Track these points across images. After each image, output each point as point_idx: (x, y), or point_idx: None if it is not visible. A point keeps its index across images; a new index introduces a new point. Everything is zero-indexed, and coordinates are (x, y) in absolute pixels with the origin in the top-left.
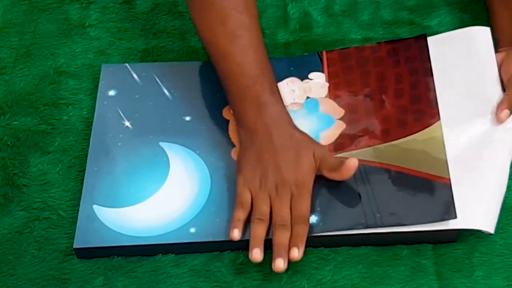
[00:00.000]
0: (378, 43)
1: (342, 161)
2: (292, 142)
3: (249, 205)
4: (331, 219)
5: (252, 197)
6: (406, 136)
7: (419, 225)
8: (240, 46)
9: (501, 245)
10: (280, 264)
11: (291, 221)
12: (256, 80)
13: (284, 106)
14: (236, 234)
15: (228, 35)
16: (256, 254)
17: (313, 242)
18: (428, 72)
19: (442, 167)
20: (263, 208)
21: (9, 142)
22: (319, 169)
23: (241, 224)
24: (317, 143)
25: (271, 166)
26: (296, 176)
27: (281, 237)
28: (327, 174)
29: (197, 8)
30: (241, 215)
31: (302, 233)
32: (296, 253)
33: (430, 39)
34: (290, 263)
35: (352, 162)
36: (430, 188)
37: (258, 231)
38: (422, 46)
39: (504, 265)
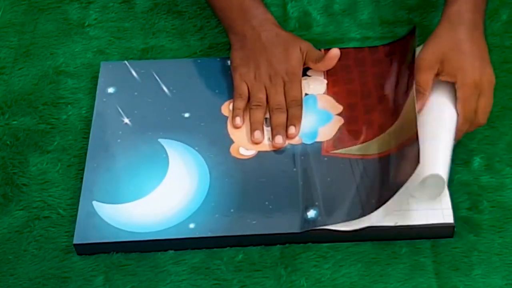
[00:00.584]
0: (376, 46)
1: (325, 54)
2: (279, 38)
3: (247, 96)
4: (330, 213)
5: (248, 89)
6: (394, 122)
7: (404, 188)
8: None
9: (500, 244)
10: (279, 139)
11: (286, 106)
12: None
13: (266, 9)
14: (238, 121)
15: None
16: (258, 135)
17: (312, 237)
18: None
19: (412, 126)
20: (260, 96)
21: (8, 142)
22: (306, 61)
23: (241, 112)
24: (302, 39)
25: (263, 61)
26: (286, 67)
27: (279, 118)
28: (313, 65)
29: None
30: (240, 104)
31: (297, 114)
32: (293, 130)
33: None
34: (289, 261)
35: (334, 51)
36: (408, 151)
37: (257, 116)
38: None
39: (502, 264)
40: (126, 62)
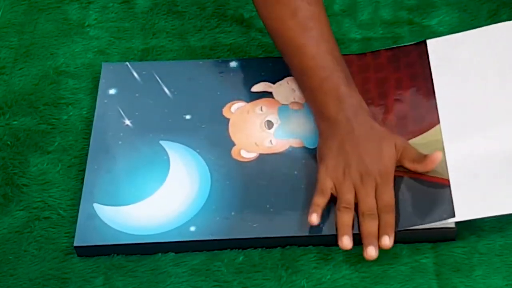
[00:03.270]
0: (378, 50)
1: (425, 154)
2: (374, 132)
3: (329, 194)
4: (331, 220)
5: (335, 186)
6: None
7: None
8: (313, 37)
9: (501, 245)
10: (372, 251)
11: (377, 211)
12: (332, 72)
13: (360, 97)
14: (314, 219)
15: (300, 27)
16: (346, 241)
17: (312, 241)
18: (428, 77)
19: (441, 168)
20: (349, 197)
21: (9, 142)
22: (400, 160)
23: (320, 210)
24: (397, 136)
25: (354, 156)
26: (379, 166)
27: (371, 226)
28: (409, 165)
29: (264, 1)
30: (320, 201)
31: (391, 222)
32: (388, 241)
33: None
34: (290, 263)
35: (437, 155)
36: (430, 189)
37: (345, 219)
38: (422, 51)
39: (503, 265)
40: (127, 63)
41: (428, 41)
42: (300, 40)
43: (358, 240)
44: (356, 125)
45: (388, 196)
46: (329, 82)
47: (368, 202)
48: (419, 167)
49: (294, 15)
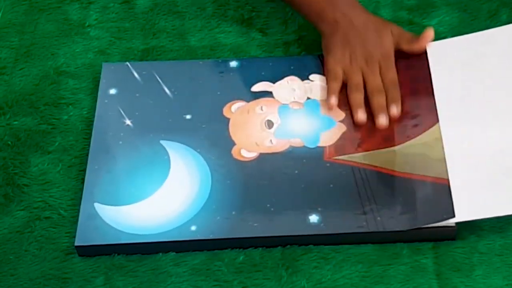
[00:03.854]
0: None
1: (418, 35)
2: (371, 23)
3: (341, 79)
4: (332, 220)
5: (344, 72)
6: (405, 141)
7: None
8: None
9: (501, 245)
10: (383, 119)
11: (384, 88)
12: None
13: None
14: (333, 100)
15: None
16: (361, 114)
17: (312, 240)
18: (428, 79)
19: (441, 168)
20: (357, 79)
21: (9, 142)
22: (397, 43)
23: (337, 93)
24: (393, 23)
25: (357, 45)
26: (381, 50)
27: (380, 99)
28: (406, 46)
29: None
30: (336, 85)
31: (396, 95)
32: (395, 110)
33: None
34: (290, 263)
35: (429, 32)
36: (429, 190)
37: (358, 98)
38: (422, 54)
39: (503, 265)
40: (127, 63)
41: (428, 44)
42: None
43: (359, 240)
44: (354, 19)
45: (391, 74)
46: None
47: (375, 81)
48: (415, 46)
49: None
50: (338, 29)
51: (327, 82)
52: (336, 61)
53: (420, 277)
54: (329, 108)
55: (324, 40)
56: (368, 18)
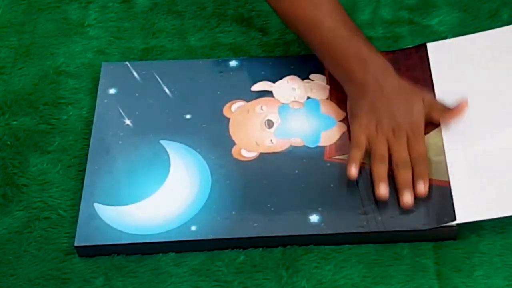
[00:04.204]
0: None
1: (450, 105)
2: (402, 89)
3: (365, 147)
4: (333, 220)
5: (368, 141)
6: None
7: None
8: (326, 11)
9: (502, 245)
10: (408, 197)
11: (411, 162)
12: (351, 38)
13: (382, 56)
14: (353, 171)
15: (312, 4)
16: (383, 189)
17: (313, 240)
18: (428, 80)
19: (442, 171)
20: (382, 150)
21: (8, 142)
22: (429, 112)
23: (358, 163)
24: (425, 91)
25: (385, 112)
26: (410, 120)
27: (405, 175)
28: (438, 117)
29: None
30: (358, 154)
31: (424, 170)
32: (422, 187)
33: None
34: (290, 263)
35: (463, 102)
36: (430, 192)
37: (380, 170)
38: (422, 55)
39: (504, 265)
40: (127, 63)
41: (429, 45)
42: (315, 17)
43: (359, 240)
44: (384, 83)
45: (420, 147)
46: (351, 48)
47: (401, 154)
48: (447, 116)
49: None
50: (366, 93)
51: (350, 149)
52: (361, 128)
53: (421, 277)
54: (349, 177)
55: (349, 102)
56: (399, 83)
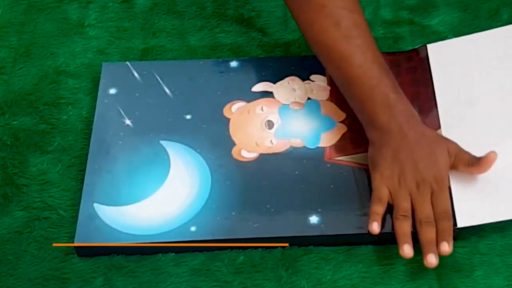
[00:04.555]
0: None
1: (480, 157)
2: (426, 139)
3: (386, 201)
4: (332, 221)
5: (391, 195)
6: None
7: None
8: (358, 46)
9: (502, 245)
10: (432, 259)
11: (434, 218)
12: (380, 80)
13: (409, 103)
14: (375, 228)
15: (344, 37)
16: (408, 250)
17: (313, 241)
18: (428, 82)
19: None
20: (405, 205)
21: (8, 142)
22: (454, 164)
23: (379, 218)
24: (450, 141)
25: (408, 164)
26: (434, 173)
27: (429, 234)
28: (465, 169)
29: (304, 10)
30: (379, 209)
31: (449, 228)
32: (447, 247)
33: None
34: (290, 263)
35: (493, 155)
36: None
37: (404, 228)
38: (423, 57)
39: (504, 265)
40: (127, 63)
41: (429, 46)
42: (346, 50)
43: (359, 240)
44: (408, 132)
45: (444, 202)
46: (378, 90)
47: (425, 210)
48: (474, 170)
49: (338, 25)
50: (389, 142)
51: (371, 203)
52: (383, 181)
53: (421, 277)
54: (371, 233)
55: (371, 148)
56: (424, 133)
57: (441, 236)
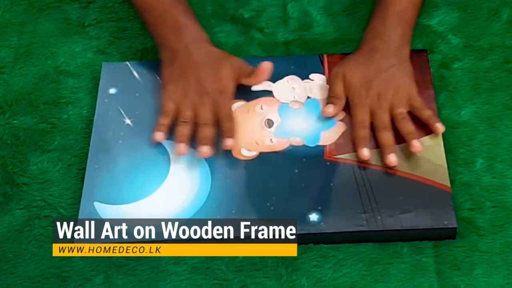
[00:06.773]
0: None
1: (256, 67)
2: (211, 57)
3: (172, 113)
4: (332, 219)
5: (176, 107)
6: (406, 142)
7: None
8: None
9: (501, 244)
10: (203, 149)
11: (218, 121)
12: (172, 5)
13: (201, 27)
14: (160, 137)
15: None
16: (181, 147)
17: (313, 239)
18: (429, 84)
19: (443, 174)
20: (187, 113)
21: (9, 141)
22: (238, 78)
23: (164, 128)
24: (234, 56)
25: (193, 79)
26: (217, 86)
27: (204, 131)
28: (245, 81)
29: None
30: (164, 120)
31: (231, 127)
32: (231, 142)
33: None
34: (290, 261)
35: (265, 64)
36: (431, 194)
37: (183, 131)
38: (423, 59)
39: (504, 263)
40: (127, 63)
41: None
42: None
43: (359, 238)
44: (194, 52)
45: (226, 109)
46: (168, 14)
47: (204, 115)
48: (253, 80)
49: None
50: (176, 61)
51: (159, 117)
52: (169, 95)
53: (421, 275)
54: (155, 140)
55: (162, 70)
56: (209, 51)
57: (225, 134)
